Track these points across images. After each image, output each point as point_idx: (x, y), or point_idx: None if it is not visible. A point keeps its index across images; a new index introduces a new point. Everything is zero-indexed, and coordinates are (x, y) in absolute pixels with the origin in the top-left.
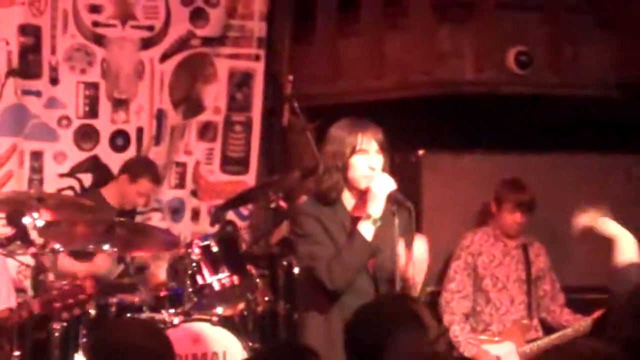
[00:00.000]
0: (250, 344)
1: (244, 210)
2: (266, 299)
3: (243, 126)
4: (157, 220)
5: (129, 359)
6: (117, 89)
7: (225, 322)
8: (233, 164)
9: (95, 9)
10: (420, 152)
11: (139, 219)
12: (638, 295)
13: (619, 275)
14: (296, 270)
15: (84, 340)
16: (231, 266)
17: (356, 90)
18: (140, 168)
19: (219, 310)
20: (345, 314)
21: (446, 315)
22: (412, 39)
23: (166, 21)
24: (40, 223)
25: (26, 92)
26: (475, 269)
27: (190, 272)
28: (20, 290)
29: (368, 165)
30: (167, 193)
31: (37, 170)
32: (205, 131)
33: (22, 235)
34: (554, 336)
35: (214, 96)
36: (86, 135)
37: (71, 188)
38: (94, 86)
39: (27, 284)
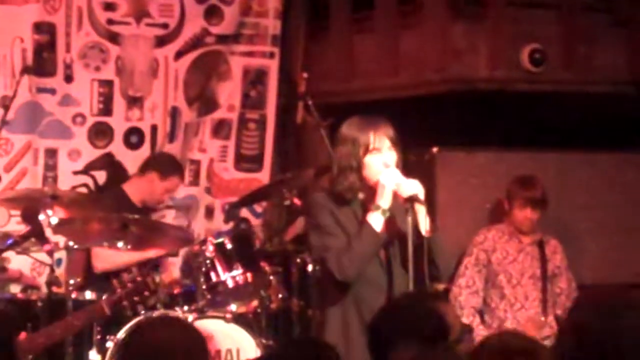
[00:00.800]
0: (264, 341)
1: (258, 208)
2: (280, 296)
3: (257, 124)
4: (170, 217)
5: (166, 356)
6: (131, 87)
7: (239, 319)
8: (247, 161)
9: (109, 6)
10: (435, 149)
11: (153, 216)
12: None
13: None
14: (310, 267)
15: (98, 337)
16: (245, 263)
17: (370, 88)
18: (170, 166)
19: (233, 307)
20: (360, 307)
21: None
22: (426, 37)
23: (181, 19)
24: (54, 220)
25: (41, 90)
26: (488, 265)
27: (203, 269)
28: (34, 287)
29: (383, 163)
30: (181, 190)
31: (51, 167)
32: (220, 129)
33: (36, 233)
34: None
35: (228, 94)
36: (100, 133)
37: (85, 185)
38: (108, 84)
39: (41, 281)
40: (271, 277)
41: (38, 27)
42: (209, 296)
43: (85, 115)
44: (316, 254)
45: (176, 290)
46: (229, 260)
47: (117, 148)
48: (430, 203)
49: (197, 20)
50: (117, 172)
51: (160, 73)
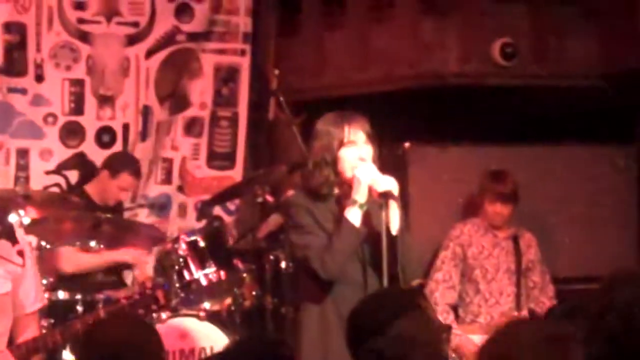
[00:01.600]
0: (238, 338)
1: (231, 205)
2: (253, 293)
3: (229, 121)
4: (143, 216)
5: (121, 356)
6: (102, 86)
7: (213, 317)
8: (219, 159)
9: (80, 5)
10: (406, 144)
11: (125, 215)
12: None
13: None
14: (283, 264)
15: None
16: (218, 261)
17: (342, 84)
18: (119, 163)
19: (206, 305)
20: (339, 305)
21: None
22: (397, 32)
23: (151, 17)
24: (26, 220)
25: (11, 90)
26: (464, 259)
27: (177, 267)
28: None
29: (358, 157)
30: (154, 189)
31: (23, 167)
32: (192, 127)
33: (7, 233)
34: None
35: (200, 91)
36: (72, 132)
37: (57, 185)
38: (79, 83)
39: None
40: (244, 275)
41: (8, 26)
42: (182, 294)
43: (56, 115)
44: (298, 254)
45: (149, 289)
46: (202, 258)
47: (89, 147)
48: (403, 198)
49: (168, 19)
50: (89, 171)
51: (131, 72)
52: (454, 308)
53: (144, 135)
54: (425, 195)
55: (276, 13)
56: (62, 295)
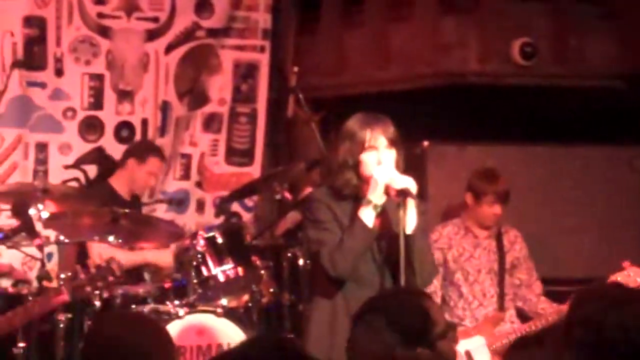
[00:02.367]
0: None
1: (249, 202)
2: (271, 290)
3: (248, 117)
4: (161, 212)
5: (119, 353)
6: (122, 81)
7: (230, 314)
8: (238, 155)
9: (100, 0)
10: (425, 143)
11: (144, 210)
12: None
13: None
14: (301, 261)
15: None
16: (236, 257)
17: (361, 82)
18: (145, 149)
19: (224, 301)
20: (350, 303)
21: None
22: (416, 30)
23: (171, 13)
24: (45, 215)
25: (31, 84)
26: (444, 263)
27: (195, 263)
28: (25, 282)
29: (377, 161)
30: (172, 184)
31: (42, 161)
32: (210, 122)
33: (27, 227)
34: (524, 325)
35: (219, 87)
36: (91, 127)
37: (76, 179)
38: (99, 78)
39: (32, 275)
40: (262, 272)
41: (28, 20)
42: (200, 290)
43: (75, 109)
44: (311, 248)
45: (167, 285)
46: (220, 254)
47: (108, 142)
48: (421, 197)
49: (188, 14)
50: (108, 166)
51: (150, 67)
52: None
53: (162, 131)
54: (443, 194)
55: (296, 10)
56: None
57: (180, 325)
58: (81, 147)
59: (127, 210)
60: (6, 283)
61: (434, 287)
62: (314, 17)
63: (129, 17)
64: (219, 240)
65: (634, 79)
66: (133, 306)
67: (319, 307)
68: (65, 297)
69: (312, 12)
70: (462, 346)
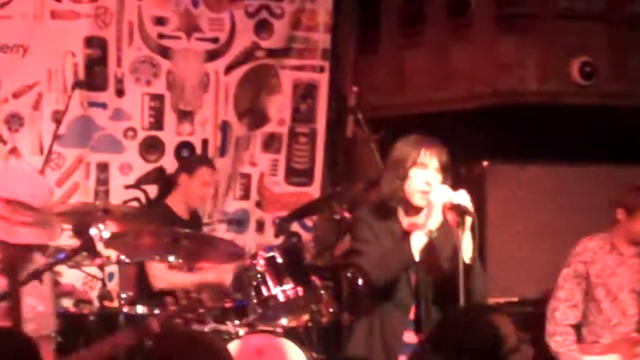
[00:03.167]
0: (315, 355)
1: (309, 222)
2: (330, 310)
3: (307, 137)
4: (221, 232)
5: None
6: (182, 101)
7: (290, 334)
8: (297, 175)
9: (160, 21)
10: (485, 163)
11: (204, 230)
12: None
13: None
14: (360, 282)
15: None
16: (295, 277)
17: (420, 102)
18: (193, 161)
19: (284, 321)
20: (385, 324)
21: (550, 325)
22: (476, 50)
23: (231, 33)
24: (106, 234)
25: (92, 104)
26: (587, 277)
27: (254, 283)
28: (86, 302)
29: (425, 180)
30: (232, 204)
31: (102, 181)
32: (270, 142)
33: (88, 247)
34: None
35: (279, 107)
36: (152, 147)
37: (137, 199)
38: (159, 98)
39: (93, 295)
40: (322, 292)
41: (89, 41)
42: (260, 310)
43: (136, 130)
44: (352, 260)
45: (227, 304)
46: (279, 274)
47: (169, 162)
48: (481, 217)
49: (248, 35)
50: (168, 186)
51: (210, 87)
52: (577, 327)
53: (222, 151)
54: (503, 213)
55: (355, 30)
56: (141, 309)
57: (240, 345)
58: (142, 167)
59: (187, 230)
60: (68, 303)
61: (575, 301)
62: (373, 36)
63: (189, 38)
64: (279, 260)
65: None
66: (194, 326)
67: (358, 325)
68: (155, 328)
69: (371, 32)
70: None
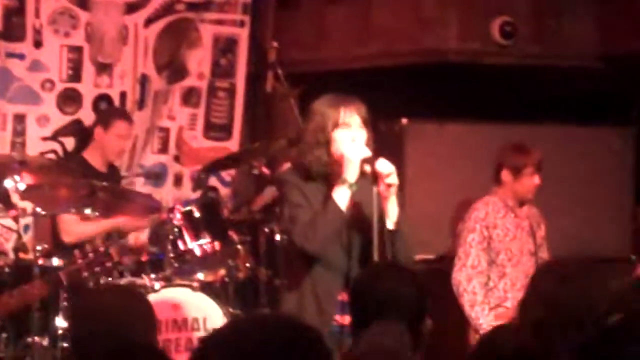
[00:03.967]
0: (231, 310)
1: (227, 177)
2: (247, 265)
3: (227, 92)
4: (139, 185)
5: (109, 324)
6: (101, 53)
7: (206, 288)
8: (216, 130)
9: None
10: (404, 121)
11: (123, 183)
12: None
13: None
14: (278, 237)
15: (65, 303)
16: (213, 232)
17: (341, 58)
18: (108, 114)
19: (200, 276)
20: (316, 287)
21: (467, 294)
22: (398, 7)
23: None
24: (22, 186)
25: (10, 55)
26: (489, 242)
27: (171, 237)
28: (1, 253)
29: (351, 139)
30: (150, 158)
31: (19, 133)
32: (189, 97)
33: (3, 198)
34: None
35: (198, 62)
36: (69, 99)
37: (54, 152)
38: (77, 50)
39: (8, 246)
40: (239, 247)
41: None
42: (176, 264)
43: (54, 81)
44: (284, 226)
45: (144, 258)
46: (196, 228)
47: (86, 114)
48: (400, 175)
49: None
50: (85, 139)
51: (129, 40)
52: None
53: (141, 104)
54: (422, 172)
55: None
56: (56, 262)
57: (156, 299)
58: (59, 119)
59: (104, 183)
60: None
61: (481, 268)
62: None
63: None
64: (196, 214)
65: (613, 60)
66: (109, 279)
67: (289, 288)
68: (63, 281)
69: None
70: None
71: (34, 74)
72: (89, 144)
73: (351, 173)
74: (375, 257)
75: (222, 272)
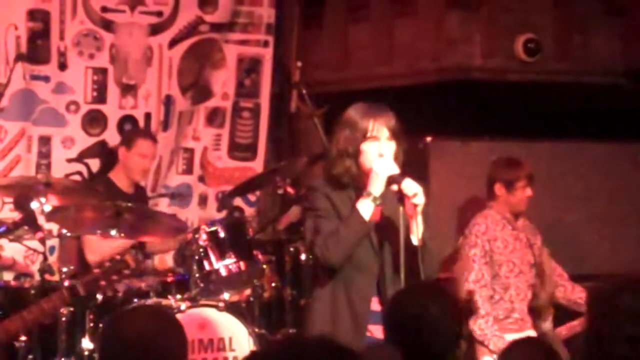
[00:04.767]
0: (256, 330)
1: (252, 197)
2: (273, 285)
3: (251, 112)
4: (164, 206)
5: (144, 347)
6: (125, 75)
7: (232, 308)
8: (241, 150)
9: None
10: (428, 138)
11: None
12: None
13: None
14: (303, 256)
15: (91, 325)
16: (238, 252)
17: (364, 77)
18: (131, 134)
19: (226, 296)
20: (350, 291)
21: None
22: (421, 25)
23: (175, 7)
24: (47, 208)
25: (35, 77)
26: (492, 255)
27: (197, 257)
28: (27, 275)
29: (378, 152)
30: (175, 179)
31: (45, 155)
32: (214, 117)
33: (29, 220)
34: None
35: (223, 82)
36: (94, 121)
37: (79, 173)
38: (102, 71)
39: (34, 268)
40: (264, 266)
41: (32, 14)
42: (202, 285)
43: (79, 103)
44: (307, 237)
45: (169, 279)
46: (222, 248)
47: (111, 136)
48: (424, 193)
49: (192, 9)
50: (110, 160)
51: (154, 61)
52: None
53: (165, 125)
54: (446, 189)
55: (300, 5)
56: None
57: (182, 319)
58: (84, 141)
59: (130, 204)
60: (8, 276)
61: (485, 282)
62: (318, 11)
63: (133, 11)
64: (222, 234)
65: (638, 75)
66: (135, 300)
67: (320, 297)
68: (79, 292)
69: (316, 7)
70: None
71: (59, 96)
72: (115, 165)
73: (376, 188)
74: (402, 273)
75: (248, 291)
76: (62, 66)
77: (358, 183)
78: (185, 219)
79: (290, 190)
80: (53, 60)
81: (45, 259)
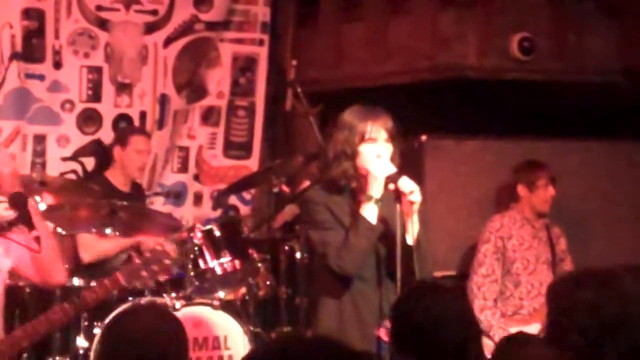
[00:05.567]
0: (252, 328)
1: (247, 195)
2: (268, 283)
3: (246, 111)
4: (159, 204)
5: (143, 345)
6: (120, 73)
7: (227, 307)
8: (236, 148)
9: None
10: (423, 137)
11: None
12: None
13: None
14: (298, 255)
15: (86, 323)
16: (233, 250)
17: (359, 76)
18: (124, 132)
19: (221, 294)
20: (357, 300)
21: (477, 300)
22: (416, 24)
23: (170, 5)
24: (42, 207)
25: (29, 76)
26: (504, 252)
27: (192, 256)
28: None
29: (376, 154)
30: (170, 177)
31: (39, 153)
32: (209, 116)
33: (24, 219)
34: None
35: (218, 81)
36: (89, 119)
37: (74, 172)
38: (97, 70)
39: None
40: (259, 265)
41: (27, 13)
42: (197, 283)
43: (74, 102)
44: (317, 250)
45: (164, 277)
46: (217, 247)
47: (106, 134)
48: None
49: (187, 7)
50: (105, 158)
51: (149, 60)
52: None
53: (160, 124)
54: (441, 188)
55: (295, 4)
56: (77, 282)
57: None
58: (79, 140)
59: (124, 203)
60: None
61: (496, 276)
62: (313, 10)
63: (128, 10)
64: (217, 233)
65: (633, 74)
66: (130, 298)
67: (326, 305)
68: (121, 282)
69: (311, 6)
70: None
71: (54, 94)
72: (110, 164)
73: (376, 190)
74: (398, 272)
75: (243, 290)
76: (57, 65)
77: (355, 185)
78: (180, 218)
79: (285, 188)
80: (48, 58)
81: None
